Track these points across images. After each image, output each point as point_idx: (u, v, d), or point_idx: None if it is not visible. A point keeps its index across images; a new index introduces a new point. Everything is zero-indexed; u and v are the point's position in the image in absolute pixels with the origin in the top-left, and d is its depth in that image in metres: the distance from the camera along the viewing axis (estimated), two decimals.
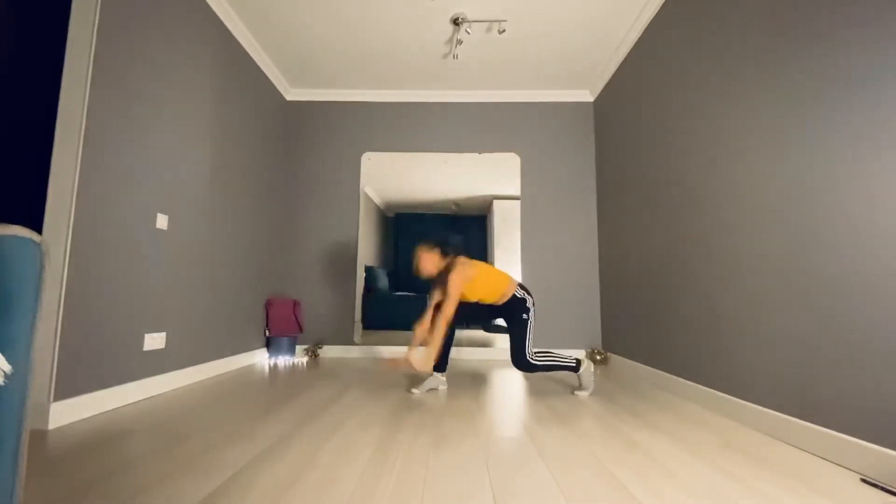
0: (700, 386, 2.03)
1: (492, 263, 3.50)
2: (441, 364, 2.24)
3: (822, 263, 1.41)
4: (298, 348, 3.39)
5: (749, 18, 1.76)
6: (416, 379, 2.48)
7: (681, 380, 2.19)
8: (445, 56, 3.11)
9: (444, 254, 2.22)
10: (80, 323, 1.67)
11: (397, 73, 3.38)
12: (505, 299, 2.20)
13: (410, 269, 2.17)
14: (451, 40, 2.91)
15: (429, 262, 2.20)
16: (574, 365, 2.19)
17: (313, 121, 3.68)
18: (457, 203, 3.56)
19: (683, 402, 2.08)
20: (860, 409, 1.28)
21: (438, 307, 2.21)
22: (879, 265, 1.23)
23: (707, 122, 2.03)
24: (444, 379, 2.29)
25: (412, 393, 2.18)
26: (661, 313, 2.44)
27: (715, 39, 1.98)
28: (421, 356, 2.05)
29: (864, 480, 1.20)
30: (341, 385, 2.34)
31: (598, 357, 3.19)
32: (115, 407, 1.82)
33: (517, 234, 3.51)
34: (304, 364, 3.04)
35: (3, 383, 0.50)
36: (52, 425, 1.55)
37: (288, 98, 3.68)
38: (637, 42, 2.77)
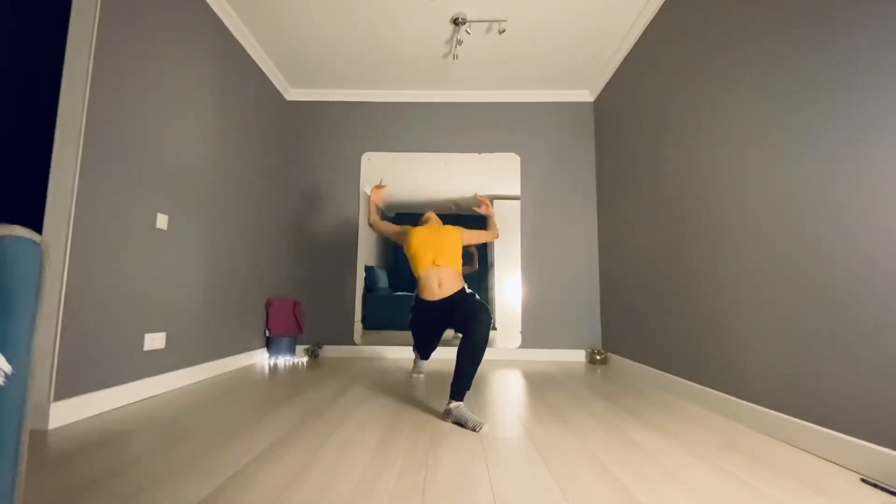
0: (700, 386, 2.03)
1: (492, 263, 3.50)
2: (426, 354, 2.48)
3: (823, 263, 1.41)
4: (298, 348, 3.39)
5: (750, 18, 1.76)
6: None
7: (681, 380, 2.19)
8: (445, 56, 3.11)
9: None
10: (80, 323, 1.67)
11: (397, 73, 3.38)
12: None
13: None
14: (451, 40, 2.91)
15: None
16: None
17: (313, 121, 3.68)
18: (457, 203, 3.56)
19: (683, 402, 2.08)
20: (860, 409, 1.28)
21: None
22: (879, 265, 1.23)
23: (707, 121, 2.03)
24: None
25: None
26: (661, 313, 2.43)
27: (715, 39, 1.98)
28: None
29: (864, 480, 1.20)
30: (341, 385, 2.34)
31: (598, 357, 3.19)
32: (115, 407, 1.82)
33: (517, 234, 3.51)
34: (304, 364, 3.04)
35: (3, 383, 0.50)
36: (52, 425, 1.55)
37: (288, 98, 3.68)
38: (637, 42, 2.77)
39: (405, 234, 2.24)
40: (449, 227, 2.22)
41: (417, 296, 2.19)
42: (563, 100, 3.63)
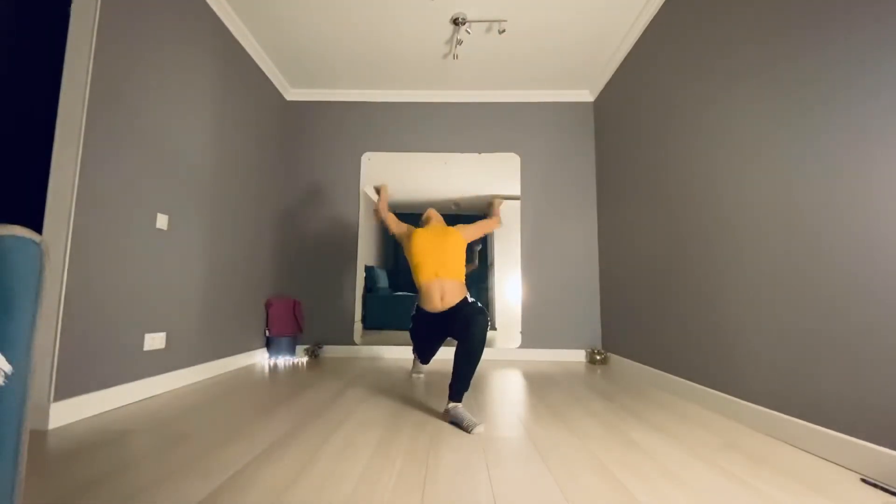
0: (700, 386, 2.03)
1: (492, 263, 3.50)
2: (426, 359, 2.44)
3: (822, 263, 1.41)
4: (298, 348, 3.39)
5: (750, 18, 1.76)
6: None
7: (681, 380, 2.19)
8: (445, 56, 3.11)
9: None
10: (80, 323, 1.67)
11: (397, 73, 3.38)
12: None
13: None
14: (451, 40, 2.91)
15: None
16: None
17: (313, 121, 3.68)
18: (457, 203, 3.56)
19: (683, 402, 2.08)
20: (860, 409, 1.28)
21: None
22: (879, 265, 1.23)
23: (707, 121, 2.03)
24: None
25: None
26: (661, 313, 2.43)
27: (715, 39, 1.98)
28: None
29: (864, 480, 1.20)
30: (341, 385, 2.34)
31: (598, 357, 3.19)
32: (115, 407, 1.82)
33: (517, 235, 3.51)
34: (304, 364, 3.04)
35: (3, 383, 0.50)
36: (52, 425, 1.55)
37: (288, 98, 3.68)
38: (637, 42, 2.77)
39: (408, 238, 2.19)
40: (451, 230, 2.15)
41: (418, 305, 2.18)
42: (563, 100, 3.63)
